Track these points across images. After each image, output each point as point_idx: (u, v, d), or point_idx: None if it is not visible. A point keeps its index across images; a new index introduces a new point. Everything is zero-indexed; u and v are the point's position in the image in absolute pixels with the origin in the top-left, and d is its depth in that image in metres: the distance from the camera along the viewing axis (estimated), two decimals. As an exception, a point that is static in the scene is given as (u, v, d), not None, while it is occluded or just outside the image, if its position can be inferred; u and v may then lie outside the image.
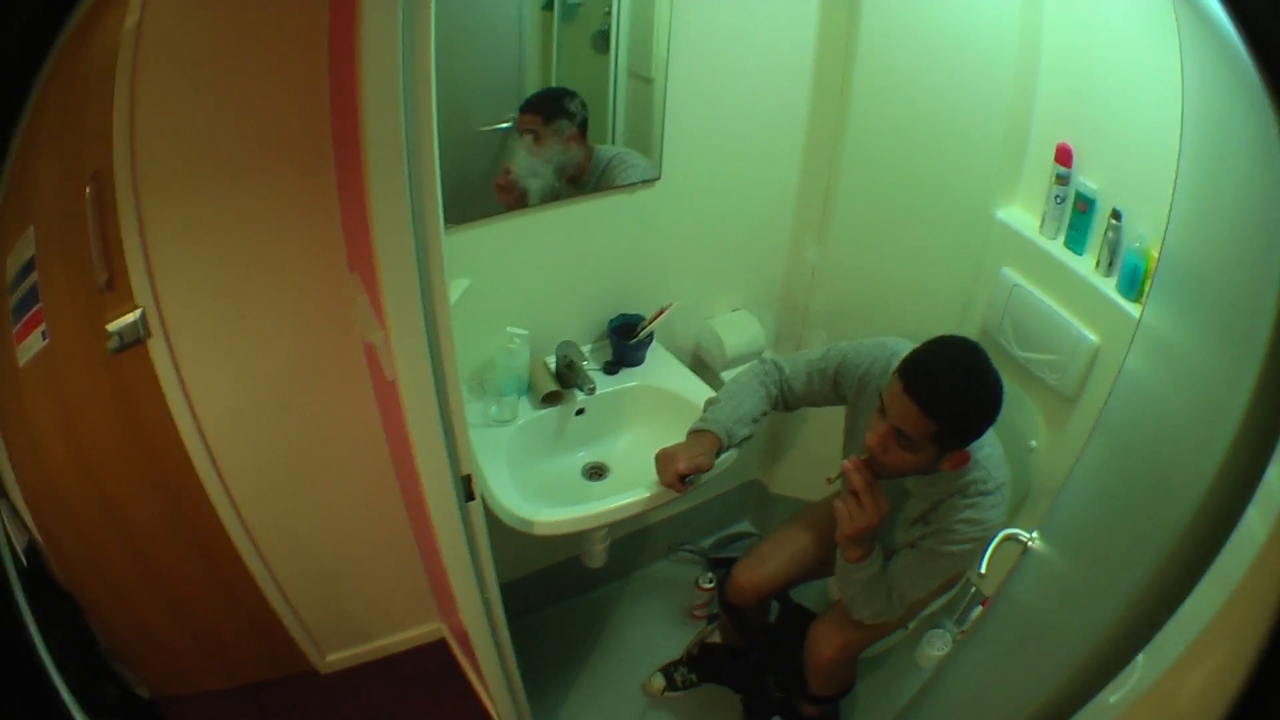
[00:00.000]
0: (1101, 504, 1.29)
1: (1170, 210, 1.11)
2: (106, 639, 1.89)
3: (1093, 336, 2.15)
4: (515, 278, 2.29)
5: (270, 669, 2.54)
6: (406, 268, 1.42)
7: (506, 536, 2.03)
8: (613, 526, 2.37)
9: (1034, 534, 1.44)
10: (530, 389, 2.36)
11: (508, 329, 2.26)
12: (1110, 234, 2.09)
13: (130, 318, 1.84)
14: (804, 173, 2.52)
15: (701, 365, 2.71)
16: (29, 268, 1.73)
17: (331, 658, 2.60)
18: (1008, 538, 1.52)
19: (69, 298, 1.82)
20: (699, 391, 2.40)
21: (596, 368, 2.46)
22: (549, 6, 2.08)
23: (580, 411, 2.41)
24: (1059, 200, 2.22)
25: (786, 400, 2.22)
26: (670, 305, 2.44)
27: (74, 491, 1.97)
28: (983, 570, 1.59)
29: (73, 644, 1.58)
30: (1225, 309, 0.99)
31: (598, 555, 2.53)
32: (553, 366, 2.39)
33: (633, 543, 3.00)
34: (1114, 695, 0.89)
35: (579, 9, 2.12)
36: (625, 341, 2.45)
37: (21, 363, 1.77)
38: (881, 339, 2.13)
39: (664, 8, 2.12)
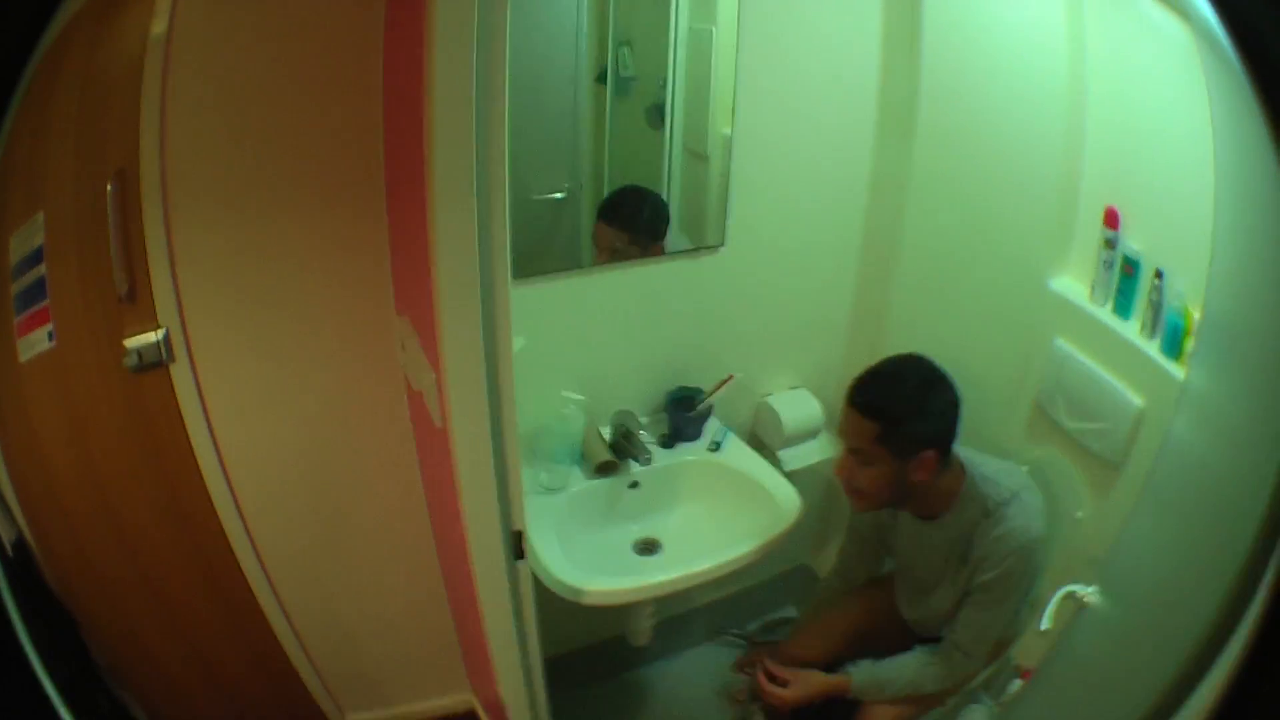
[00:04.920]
0: (1154, 563, 1.28)
1: (1210, 268, 1.12)
2: (106, 657, 1.75)
3: (1137, 400, 2.11)
4: (572, 340, 2.28)
5: (286, 720, 2.45)
6: (470, 312, 1.41)
7: (549, 610, 1.97)
8: (660, 604, 2.35)
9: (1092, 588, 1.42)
10: (583, 458, 2.33)
11: (563, 393, 2.24)
12: (1154, 295, 2.07)
13: (152, 337, 1.76)
14: (864, 252, 2.55)
15: (758, 443, 2.67)
16: (36, 257, 1.66)
17: (353, 718, 2.51)
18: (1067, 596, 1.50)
19: (83, 301, 1.74)
20: (759, 469, 2.38)
21: (653, 440, 2.43)
22: (602, 80, 2.11)
23: (634, 484, 2.36)
24: (1108, 265, 2.21)
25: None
26: (731, 377, 2.42)
27: (77, 500, 1.87)
28: (1043, 628, 1.56)
29: (67, 655, 1.52)
30: (1263, 362, 0.99)
31: (643, 633, 2.47)
32: (608, 436, 2.36)
33: (677, 624, 2.93)
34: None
35: (633, 84, 2.15)
36: (684, 413, 2.42)
37: (23, 358, 1.70)
38: None
39: (726, 77, 2.14)
